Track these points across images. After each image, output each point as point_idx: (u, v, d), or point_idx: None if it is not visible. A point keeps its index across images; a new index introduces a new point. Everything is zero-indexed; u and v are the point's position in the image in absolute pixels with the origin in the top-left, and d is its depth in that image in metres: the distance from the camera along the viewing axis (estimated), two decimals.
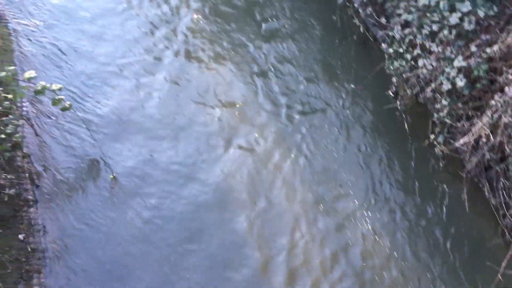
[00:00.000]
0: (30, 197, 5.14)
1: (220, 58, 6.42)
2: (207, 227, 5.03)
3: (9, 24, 6.55)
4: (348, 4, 6.47)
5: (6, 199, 4.95)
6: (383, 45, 5.85)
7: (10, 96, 4.97)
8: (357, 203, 5.21)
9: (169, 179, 5.41)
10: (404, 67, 5.45)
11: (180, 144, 5.65)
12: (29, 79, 4.98)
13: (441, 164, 5.38)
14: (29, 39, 6.45)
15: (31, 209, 5.07)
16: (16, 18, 6.70)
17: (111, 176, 5.42)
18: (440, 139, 5.24)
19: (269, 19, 6.76)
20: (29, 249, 4.75)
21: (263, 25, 6.69)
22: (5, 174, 5.03)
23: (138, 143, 5.69)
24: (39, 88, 5.04)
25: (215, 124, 5.80)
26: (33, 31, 6.57)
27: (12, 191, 5.00)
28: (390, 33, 5.67)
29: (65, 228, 5.02)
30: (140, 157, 5.58)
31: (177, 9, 6.99)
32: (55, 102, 5.15)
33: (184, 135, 5.73)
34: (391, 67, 5.66)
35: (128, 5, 7.06)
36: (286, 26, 6.70)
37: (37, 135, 5.65)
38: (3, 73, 4.78)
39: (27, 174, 5.27)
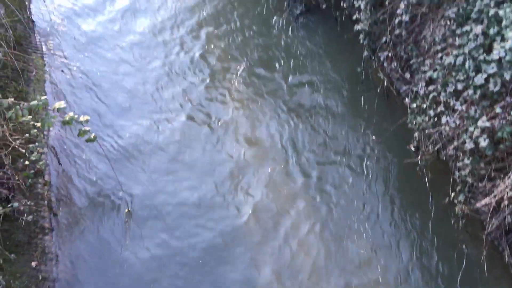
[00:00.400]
0: (46, 224, 5.19)
1: (249, 102, 6.56)
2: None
3: (44, 55, 6.83)
4: (373, 57, 6.57)
5: (23, 225, 5.00)
6: (407, 100, 5.88)
7: (38, 124, 5.11)
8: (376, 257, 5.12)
9: (185, 218, 5.41)
10: (427, 123, 5.45)
11: (201, 187, 5.69)
12: (58, 110, 5.13)
13: (461, 224, 5.27)
14: (62, 70, 6.70)
15: (46, 237, 5.11)
16: (51, 49, 6.98)
17: (126, 210, 5.47)
18: (461, 198, 5.16)
19: (297, 72, 6.90)
20: (40, 277, 4.75)
21: (290, 77, 6.81)
22: (25, 200, 5.10)
23: (157, 179, 5.75)
24: (67, 118, 5.18)
25: (234, 170, 5.82)
26: (66, 62, 6.83)
27: (29, 218, 5.06)
28: (414, 89, 5.72)
29: (77, 259, 5.02)
30: (157, 193, 5.63)
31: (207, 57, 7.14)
32: (81, 133, 5.27)
33: (206, 178, 5.77)
34: (414, 122, 5.67)
35: (162, 39, 7.29)
36: (313, 77, 6.81)
37: (59, 164, 5.76)
38: (35, 102, 4.93)
39: (46, 202, 5.35)
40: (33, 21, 7.20)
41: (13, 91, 5.89)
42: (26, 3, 7.37)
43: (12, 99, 4.93)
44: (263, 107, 6.47)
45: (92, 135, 5.33)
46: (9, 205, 4.82)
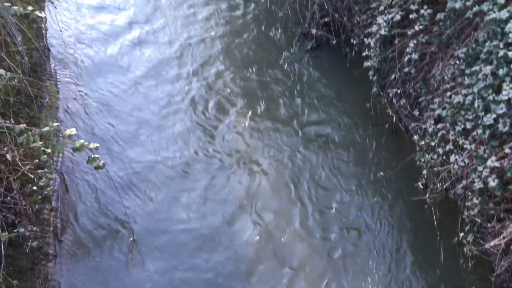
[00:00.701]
0: (51, 251, 5.16)
1: (259, 136, 6.60)
2: None
3: (58, 82, 6.95)
4: (382, 93, 6.62)
5: (27, 250, 4.99)
6: (415, 137, 5.89)
7: (48, 150, 5.15)
8: None
9: (190, 249, 5.38)
10: (435, 160, 5.44)
11: (209, 218, 5.67)
12: (69, 136, 5.18)
13: (470, 264, 5.18)
14: (74, 98, 6.80)
15: (50, 264, 5.08)
16: (65, 77, 7.11)
17: (131, 239, 5.45)
18: (470, 238, 5.09)
19: (306, 106, 6.94)
20: None
21: (299, 111, 6.87)
22: (30, 226, 5.10)
23: (164, 209, 5.74)
24: (77, 145, 5.21)
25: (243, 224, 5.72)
26: (79, 90, 6.94)
27: (34, 244, 5.04)
28: (423, 126, 5.73)
29: (80, 287, 4.98)
30: (163, 223, 5.62)
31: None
32: (90, 160, 5.29)
33: (215, 208, 5.76)
34: (422, 160, 5.66)
35: (175, 72, 7.38)
36: (322, 112, 6.85)
37: (67, 190, 5.78)
38: (47, 128, 4.99)
39: (51, 228, 5.34)
40: (48, 49, 7.35)
41: (25, 116, 5.98)
42: (43, 31, 7.55)
43: (24, 125, 4.99)
44: (272, 141, 6.49)
45: (101, 163, 5.34)
46: (14, 231, 4.82)
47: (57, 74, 7.06)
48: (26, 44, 6.49)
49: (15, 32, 6.24)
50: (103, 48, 7.66)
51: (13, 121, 5.25)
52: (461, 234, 5.19)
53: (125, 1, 8.51)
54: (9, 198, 5.10)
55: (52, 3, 7.92)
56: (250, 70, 7.42)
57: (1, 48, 5.93)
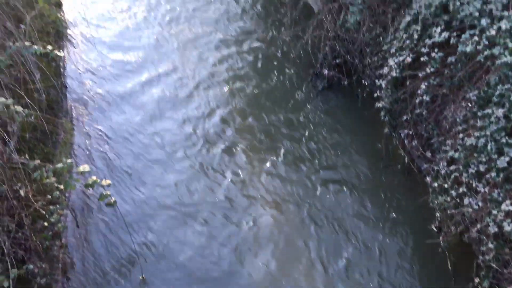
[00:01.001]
0: None
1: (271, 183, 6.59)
2: None
3: (73, 119, 7.08)
4: (393, 134, 6.63)
5: None
6: (428, 178, 5.84)
7: (61, 186, 5.20)
8: None
9: None
10: (449, 203, 5.37)
11: (221, 261, 5.62)
12: (82, 173, 5.23)
13: None
14: (89, 135, 6.91)
15: None
16: (80, 114, 7.24)
17: (140, 277, 5.39)
18: (485, 284, 4.94)
19: (316, 146, 6.94)
20: None
21: (310, 153, 6.86)
22: (40, 263, 5.08)
23: (176, 249, 5.70)
24: (90, 182, 5.25)
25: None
26: (94, 128, 7.05)
27: (43, 281, 5.01)
28: (435, 168, 5.69)
29: None
30: (174, 263, 5.57)
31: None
32: (102, 197, 5.32)
33: (226, 251, 5.71)
34: (435, 202, 5.59)
35: (188, 112, 7.41)
36: (333, 153, 6.84)
37: (77, 226, 5.79)
38: (60, 165, 5.05)
39: (60, 265, 5.31)
40: (66, 87, 7.53)
41: (40, 152, 6.06)
42: (61, 69, 7.75)
43: (39, 161, 5.06)
44: (284, 185, 6.43)
45: (112, 200, 5.37)
46: (24, 267, 4.80)
47: (73, 111, 7.19)
48: (44, 81, 6.66)
49: (34, 70, 6.41)
50: (118, 87, 7.81)
51: (28, 157, 5.33)
52: (477, 280, 5.05)
53: (140, 41, 8.73)
54: (20, 234, 5.10)
55: (71, 42, 8.20)
56: (261, 112, 7.42)
57: (20, 85, 6.08)
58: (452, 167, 5.39)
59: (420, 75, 6.03)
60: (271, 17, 9.05)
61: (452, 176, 5.35)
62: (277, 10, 9.06)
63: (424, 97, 5.95)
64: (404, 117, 6.27)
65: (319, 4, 8.06)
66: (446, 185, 5.42)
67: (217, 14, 9.29)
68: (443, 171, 5.49)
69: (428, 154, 6.02)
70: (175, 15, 9.30)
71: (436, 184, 5.56)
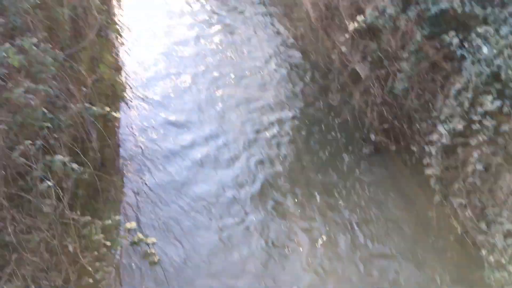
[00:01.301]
0: None
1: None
2: None
3: (124, 177, 7.31)
4: (445, 202, 6.38)
5: None
6: (483, 252, 5.52)
7: (108, 243, 5.29)
8: None
9: None
10: (507, 279, 5.02)
11: None
12: (129, 230, 5.33)
13: None
14: (138, 193, 7.08)
15: None
16: (131, 173, 7.47)
17: None
18: None
19: (364, 214, 6.81)
20: None
21: (357, 221, 6.73)
22: None
23: None
24: (135, 239, 5.35)
25: None
26: (143, 186, 7.24)
27: None
28: (491, 240, 5.39)
29: None
30: None
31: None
32: (146, 256, 5.38)
33: None
34: (491, 277, 5.24)
35: (236, 193, 7.27)
36: (381, 221, 6.67)
37: (121, 284, 5.80)
38: (109, 221, 5.18)
39: None
40: (119, 146, 7.85)
41: (90, 209, 6.24)
42: (116, 129, 8.11)
43: (89, 217, 5.21)
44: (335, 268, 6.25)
45: (156, 258, 5.41)
46: None
47: (124, 169, 7.44)
48: (100, 141, 6.96)
49: (92, 129, 6.74)
50: (167, 146, 8.00)
51: (79, 213, 5.50)
52: None
53: (193, 105, 8.87)
54: None
55: (127, 103, 8.63)
56: (305, 178, 7.33)
57: (77, 144, 6.39)
58: (510, 241, 5.10)
59: (472, 143, 5.87)
60: (319, 83, 9.19)
61: (510, 251, 5.04)
62: (324, 76, 9.20)
63: (477, 166, 5.75)
64: (456, 186, 6.06)
65: (367, 70, 8.15)
66: (503, 260, 5.10)
67: (265, 79, 9.50)
68: (499, 245, 5.18)
69: (483, 226, 5.71)
70: (225, 81, 9.56)
71: (492, 259, 5.24)
